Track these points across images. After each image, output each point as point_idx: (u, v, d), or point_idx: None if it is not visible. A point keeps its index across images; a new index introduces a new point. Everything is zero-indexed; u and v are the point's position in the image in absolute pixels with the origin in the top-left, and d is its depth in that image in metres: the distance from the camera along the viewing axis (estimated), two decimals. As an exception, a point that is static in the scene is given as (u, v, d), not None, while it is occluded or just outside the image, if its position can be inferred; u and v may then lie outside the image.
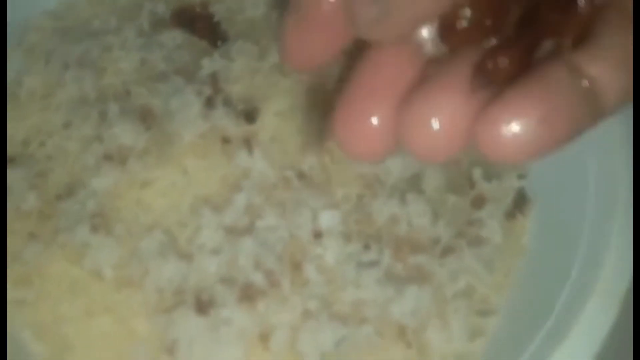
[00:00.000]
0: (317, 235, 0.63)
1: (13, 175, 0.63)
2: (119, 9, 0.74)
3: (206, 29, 0.73)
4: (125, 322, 0.59)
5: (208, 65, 0.69)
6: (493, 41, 0.29)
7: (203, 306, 0.58)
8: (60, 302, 0.60)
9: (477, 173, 0.69)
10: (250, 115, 0.69)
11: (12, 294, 0.60)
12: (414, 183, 0.67)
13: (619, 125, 0.64)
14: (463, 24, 0.29)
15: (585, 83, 0.29)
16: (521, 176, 0.70)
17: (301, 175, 0.66)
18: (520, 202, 0.69)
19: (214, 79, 0.69)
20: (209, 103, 0.67)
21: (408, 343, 0.61)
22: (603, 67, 0.29)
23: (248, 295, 0.59)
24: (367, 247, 0.62)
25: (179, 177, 0.65)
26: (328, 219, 0.63)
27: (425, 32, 0.30)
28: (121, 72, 0.70)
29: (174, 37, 0.72)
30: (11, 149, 0.66)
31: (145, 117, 0.67)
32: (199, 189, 0.65)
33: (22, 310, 0.60)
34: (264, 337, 0.59)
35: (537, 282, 0.66)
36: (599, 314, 0.58)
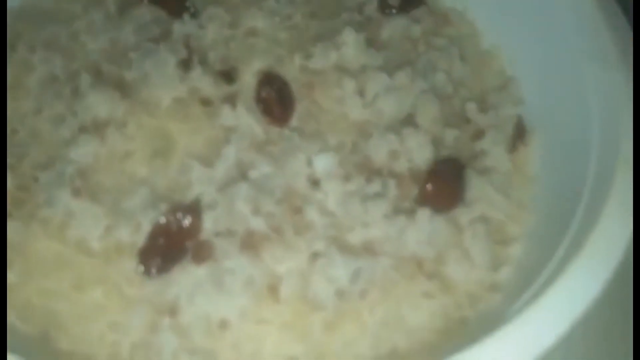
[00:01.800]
0: (315, 182, 0.59)
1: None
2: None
3: (175, 4, 0.71)
4: (119, 290, 0.54)
5: (179, 28, 0.66)
6: None
7: (202, 256, 0.53)
8: (46, 280, 0.55)
9: (471, 107, 0.67)
10: (229, 76, 0.66)
11: (-8, 278, 0.55)
12: (409, 121, 0.64)
13: (617, 40, 0.62)
14: None
15: None
16: (518, 102, 0.67)
17: (290, 126, 0.63)
18: (521, 131, 0.66)
19: (187, 41, 0.66)
20: (185, 64, 0.64)
21: (428, 275, 0.56)
22: None
23: (250, 243, 0.55)
24: (369, 180, 0.58)
25: (162, 144, 0.61)
26: (324, 163, 0.59)
27: None
28: (91, 52, 0.67)
29: (142, 13, 0.69)
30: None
31: (119, 86, 0.63)
32: (184, 154, 0.61)
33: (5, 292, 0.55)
34: (273, 288, 0.54)
35: (551, 207, 0.62)
36: (615, 229, 0.53)
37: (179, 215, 0.54)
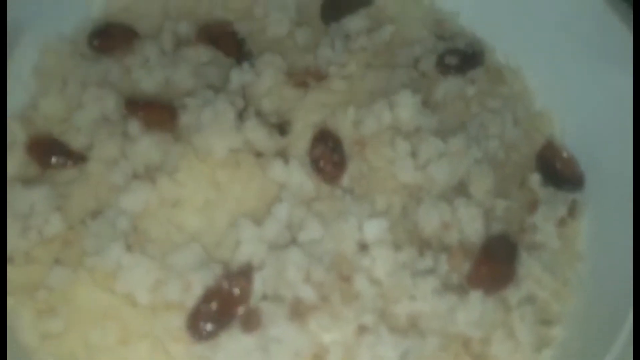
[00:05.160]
0: (364, 245, 0.59)
1: (35, 196, 0.58)
2: (138, 31, 0.71)
3: (231, 46, 0.70)
4: (164, 347, 0.54)
5: (237, 78, 0.65)
6: None
7: (251, 325, 0.53)
8: (91, 331, 0.54)
9: (535, 179, 0.66)
10: (282, 128, 0.65)
11: (38, 325, 0.55)
12: (461, 189, 0.63)
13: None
14: None
15: None
16: (578, 184, 0.66)
17: (341, 185, 0.62)
18: (573, 208, 0.65)
19: (243, 92, 0.65)
20: (241, 115, 0.63)
21: (474, 356, 0.55)
22: None
23: (298, 311, 0.54)
24: (421, 253, 0.57)
25: (213, 194, 0.61)
26: (373, 228, 0.59)
27: None
28: (144, 91, 0.66)
29: (199, 53, 0.69)
30: (29, 170, 0.62)
31: (174, 133, 0.63)
32: (234, 206, 0.61)
33: (49, 342, 0.55)
34: (318, 358, 0.54)
35: (599, 287, 0.62)
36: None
37: (232, 281, 0.53)
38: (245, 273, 0.54)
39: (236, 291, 0.53)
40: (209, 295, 0.53)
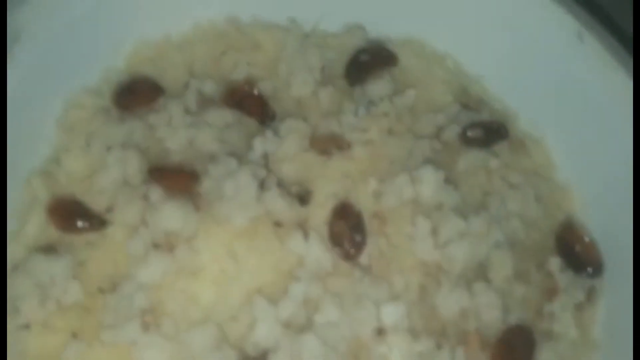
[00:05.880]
0: (381, 331, 0.59)
1: (55, 267, 0.59)
2: (164, 87, 0.71)
3: (255, 107, 0.70)
4: None
5: (260, 145, 0.65)
6: None
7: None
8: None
9: (554, 262, 0.65)
10: (303, 198, 0.65)
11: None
12: (480, 272, 0.63)
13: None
14: None
15: None
16: (597, 270, 0.66)
17: (359, 262, 0.62)
18: (591, 294, 0.65)
19: (266, 159, 0.65)
20: (262, 185, 0.63)
21: None
22: None
23: (312, 401, 0.54)
24: (439, 346, 0.57)
25: (229, 265, 0.61)
26: (391, 314, 0.59)
27: None
28: (168, 149, 0.66)
29: (223, 116, 0.68)
30: (50, 235, 0.62)
31: (194, 200, 0.63)
32: (251, 278, 0.60)
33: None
34: None
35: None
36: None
37: (247, 371, 0.53)
38: (260, 361, 0.54)
39: (252, 381, 0.53)
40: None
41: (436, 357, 0.57)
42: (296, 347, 0.56)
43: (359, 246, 0.62)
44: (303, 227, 0.63)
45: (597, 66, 0.68)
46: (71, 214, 0.62)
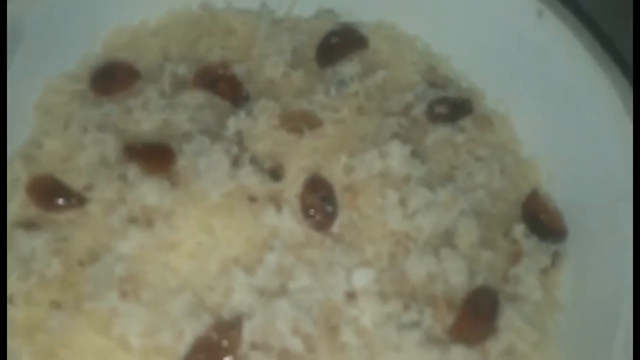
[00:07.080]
0: (352, 295, 0.61)
1: (36, 241, 0.61)
2: (140, 71, 0.73)
3: (229, 89, 0.72)
4: (157, 394, 0.56)
5: (233, 124, 0.68)
6: None
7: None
8: (87, 374, 0.57)
9: (519, 229, 0.68)
10: (275, 173, 0.67)
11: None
12: (447, 239, 0.66)
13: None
14: None
15: None
16: (561, 236, 0.69)
17: (331, 232, 0.65)
18: (556, 258, 0.68)
19: (239, 137, 0.68)
20: (236, 162, 0.66)
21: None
22: None
23: (285, 360, 0.57)
24: (407, 307, 0.60)
25: (206, 238, 0.63)
26: (362, 278, 0.61)
27: None
28: (144, 131, 0.69)
29: (197, 97, 0.71)
30: (32, 213, 0.64)
31: (171, 177, 0.65)
32: (227, 250, 0.63)
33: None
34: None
35: (579, 338, 0.64)
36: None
37: (222, 333, 0.56)
38: (235, 324, 0.57)
39: (225, 343, 0.56)
40: (199, 345, 0.56)
41: (404, 317, 0.59)
42: (270, 312, 0.58)
43: (331, 216, 0.65)
44: (276, 201, 0.66)
45: (558, 43, 0.71)
46: (51, 192, 0.64)
